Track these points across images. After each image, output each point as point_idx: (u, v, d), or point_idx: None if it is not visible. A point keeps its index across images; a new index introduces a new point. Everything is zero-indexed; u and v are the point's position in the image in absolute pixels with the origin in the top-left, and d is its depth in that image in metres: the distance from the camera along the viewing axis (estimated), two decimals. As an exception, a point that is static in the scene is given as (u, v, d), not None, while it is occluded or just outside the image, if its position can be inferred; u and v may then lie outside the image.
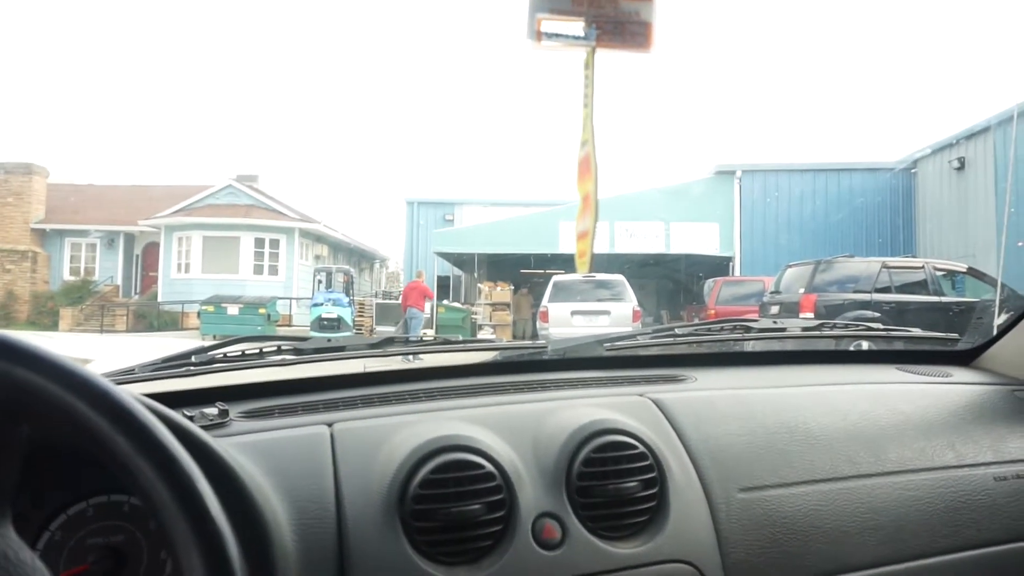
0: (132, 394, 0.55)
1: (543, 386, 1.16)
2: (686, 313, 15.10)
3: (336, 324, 13.97)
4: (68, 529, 0.81)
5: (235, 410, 1.00)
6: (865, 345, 1.59)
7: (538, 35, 0.73)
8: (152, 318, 17.77)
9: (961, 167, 13.40)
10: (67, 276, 19.87)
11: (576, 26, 0.74)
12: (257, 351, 1.19)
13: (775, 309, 9.31)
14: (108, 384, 0.53)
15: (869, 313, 8.18)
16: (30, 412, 0.52)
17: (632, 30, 0.73)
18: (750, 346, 1.45)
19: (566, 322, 10.53)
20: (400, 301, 14.30)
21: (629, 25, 0.73)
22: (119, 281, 20.15)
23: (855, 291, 8.78)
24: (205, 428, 0.88)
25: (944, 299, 8.73)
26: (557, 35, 0.74)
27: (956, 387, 1.31)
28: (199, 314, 15.81)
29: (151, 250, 20.31)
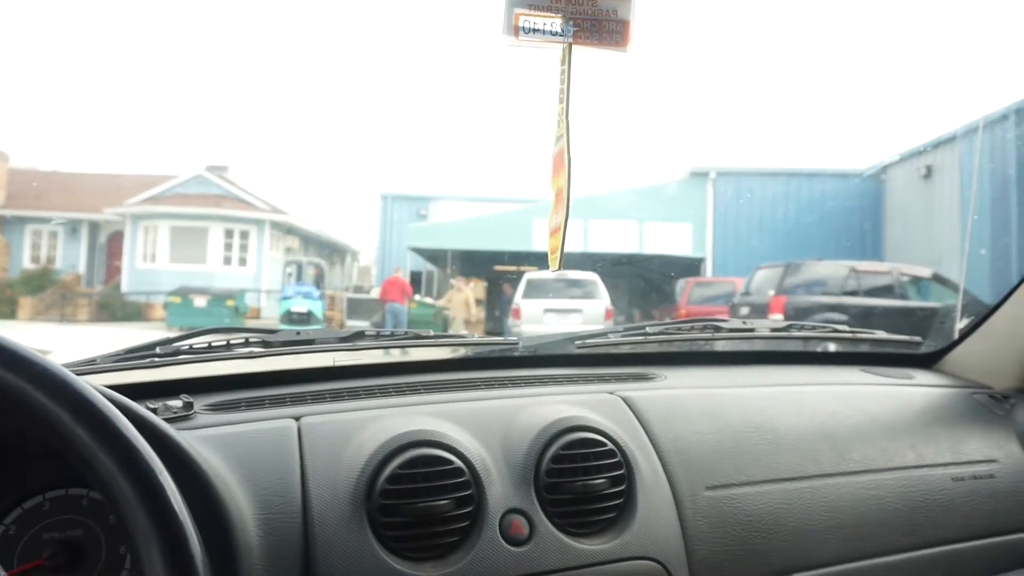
0: (93, 385, 0.54)
1: (514, 382, 1.15)
2: (658, 312, 15.22)
3: (306, 318, 13.83)
4: (23, 523, 0.79)
5: (200, 403, 0.98)
6: (832, 346, 1.62)
7: (515, 30, 0.72)
8: (116, 309, 17.39)
9: (928, 175, 13.71)
10: (27, 264, 19.35)
11: (553, 22, 0.73)
12: (224, 343, 1.17)
13: (745, 310, 9.45)
14: (68, 374, 0.51)
15: (837, 316, 8.34)
16: None
17: (609, 28, 0.73)
18: (720, 346, 1.47)
19: (538, 319, 10.56)
20: (376, 295, 14.21)
21: (606, 23, 0.72)
22: (82, 270, 19.68)
23: (824, 294, 8.95)
24: (169, 421, 0.86)
25: (910, 303, 8.94)
26: (534, 30, 0.74)
27: (918, 389, 1.34)
28: (165, 305, 15.52)
29: (116, 239, 19.87)
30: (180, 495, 0.53)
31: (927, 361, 1.51)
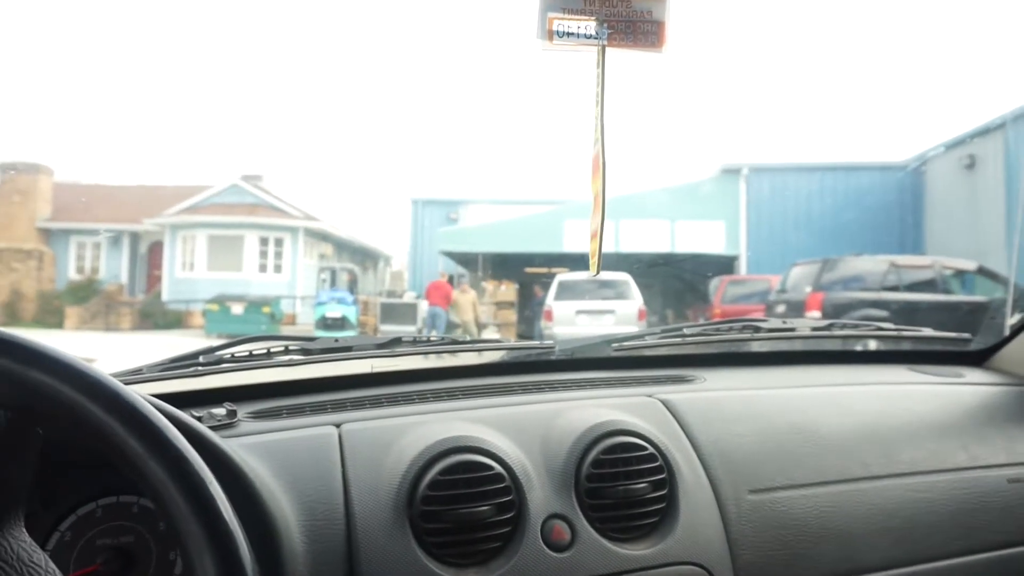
0: (143, 396, 0.55)
1: (551, 387, 1.15)
2: (691, 312, 15.06)
3: (340, 323, 13.99)
4: (78, 530, 0.81)
5: (243, 410, 1.00)
6: (875, 345, 1.58)
7: (549, 34, 0.71)
8: (157, 317, 17.81)
9: (971, 165, 13.33)
10: (73, 275, 19.92)
11: (588, 25, 0.72)
12: (264, 351, 1.19)
13: (781, 308, 9.29)
14: (120, 386, 0.52)
15: (877, 312, 8.15)
16: (45, 414, 0.52)
17: (644, 29, 0.72)
18: (759, 346, 1.44)
19: (570, 321, 10.51)
20: (408, 300, 14.34)
21: (641, 24, 0.71)
22: (124, 280, 20.21)
23: (863, 289, 8.75)
24: (213, 429, 0.88)
25: (953, 298, 8.69)
26: (568, 34, 0.73)
27: (968, 388, 1.30)
28: (203, 313, 15.83)
29: (156, 249, 20.36)
30: (229, 503, 0.54)
31: (977, 358, 1.46)
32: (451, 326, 12.76)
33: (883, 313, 8.17)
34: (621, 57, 0.78)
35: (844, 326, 1.43)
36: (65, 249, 20.12)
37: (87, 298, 18.26)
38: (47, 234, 19.91)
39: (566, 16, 0.72)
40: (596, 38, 0.72)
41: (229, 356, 1.16)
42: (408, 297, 16.32)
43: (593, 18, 0.72)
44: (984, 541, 1.07)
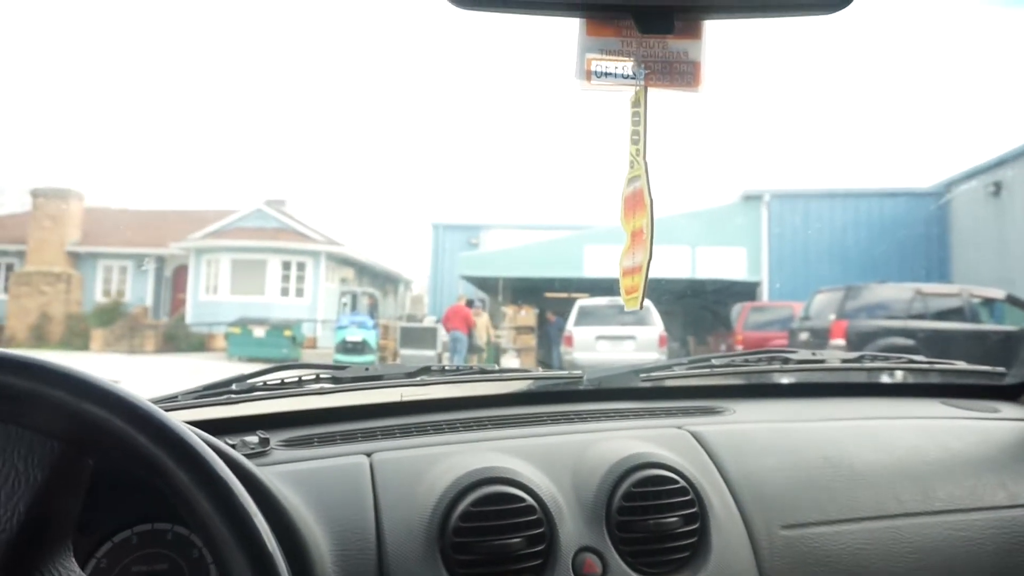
0: (188, 427, 0.56)
1: (581, 417, 1.15)
2: (713, 339, 14.94)
3: (361, 347, 14.05)
4: (114, 557, 0.82)
5: (275, 438, 1.01)
6: (907, 378, 1.56)
7: (588, 74, 0.72)
8: (180, 340, 18.02)
9: (997, 191, 13.17)
10: (99, 298, 20.27)
11: (625, 66, 0.73)
12: (296, 379, 1.20)
13: (805, 335, 9.19)
14: (168, 418, 0.54)
15: (902, 340, 8.02)
16: (94, 445, 0.53)
17: (680, 69, 0.73)
18: (788, 377, 1.43)
19: (591, 347, 10.47)
20: (428, 324, 14.41)
21: (677, 64, 0.72)
22: (149, 303, 20.51)
23: (888, 318, 8.62)
24: (247, 457, 0.89)
25: (982, 327, 8.53)
26: (606, 74, 0.74)
27: (1006, 423, 1.27)
28: (226, 336, 16.00)
29: (181, 273, 20.67)
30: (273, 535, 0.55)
31: (1012, 393, 1.43)
32: (474, 348, 12.82)
33: (909, 342, 8.03)
34: (653, 93, 0.79)
35: (875, 358, 1.41)
36: (93, 272, 20.49)
37: (112, 320, 18.55)
38: (76, 258, 20.31)
39: (604, 57, 0.73)
40: (634, 78, 0.73)
41: (261, 384, 1.17)
42: (428, 321, 16.36)
43: (631, 59, 0.73)
44: None
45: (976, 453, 1.17)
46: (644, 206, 0.76)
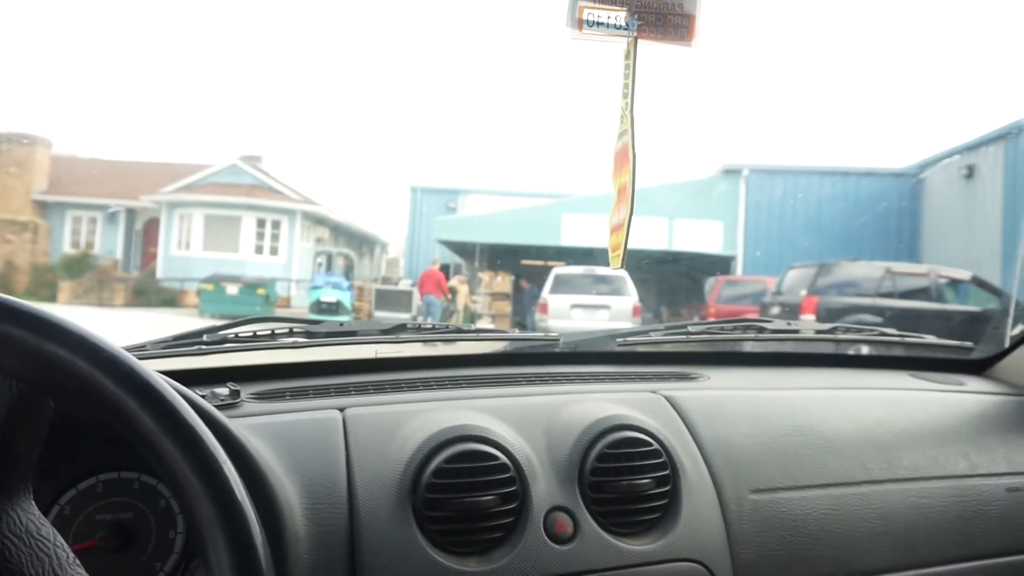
0: (157, 373, 0.54)
1: (556, 379, 1.15)
2: (686, 311, 15.08)
3: (335, 307, 13.98)
4: (77, 504, 0.80)
5: (246, 391, 0.99)
6: (878, 350, 1.58)
7: (579, 23, 0.70)
8: (151, 294, 17.74)
9: (970, 175, 13.36)
10: (68, 249, 19.82)
11: (618, 15, 0.71)
12: (268, 332, 1.18)
13: (776, 310, 9.31)
14: (135, 362, 0.52)
15: (871, 318, 8.18)
16: (56, 386, 0.51)
17: (674, 22, 0.71)
18: (763, 347, 1.44)
19: (565, 315, 10.52)
20: (403, 287, 14.39)
21: (671, 17, 0.70)
22: (119, 256, 20.12)
23: (857, 295, 8.77)
24: (218, 408, 0.87)
25: (947, 307, 8.71)
26: (599, 23, 0.72)
27: (970, 396, 1.30)
28: (198, 292, 15.79)
29: (152, 226, 20.27)
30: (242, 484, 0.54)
31: (979, 367, 1.47)
32: (447, 313, 12.86)
33: (877, 319, 8.19)
34: (643, 49, 0.77)
35: (847, 330, 1.43)
36: (61, 222, 20.00)
37: (81, 272, 18.18)
38: (43, 207, 19.78)
39: (597, 5, 0.71)
40: (626, 29, 0.71)
41: (233, 336, 1.15)
42: (404, 284, 16.31)
43: (624, 8, 0.71)
44: (981, 549, 1.08)
45: (940, 424, 1.19)
46: (628, 162, 0.74)
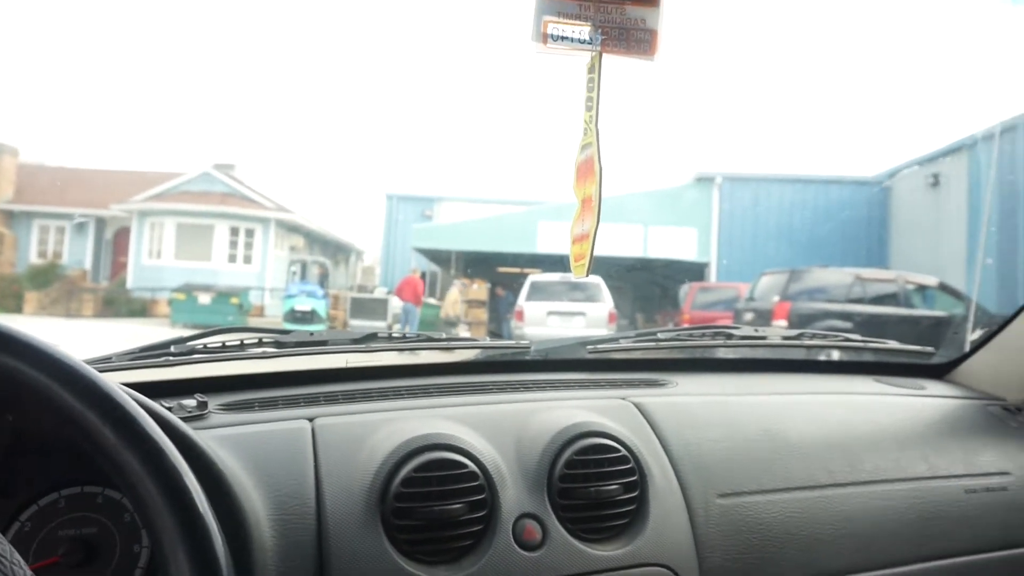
0: (118, 385, 0.54)
1: (526, 387, 1.15)
2: (660, 317, 15.20)
3: (310, 316, 13.85)
4: (39, 520, 0.79)
5: (214, 402, 0.98)
6: (843, 355, 1.62)
7: (544, 37, 0.71)
8: (121, 305, 17.42)
9: (936, 183, 13.67)
10: (34, 259, 19.39)
11: (582, 30, 0.72)
12: (238, 343, 1.17)
13: (749, 316, 9.43)
14: (95, 374, 0.51)
15: (841, 323, 8.31)
16: (15, 400, 0.51)
17: (637, 36, 0.72)
18: (731, 353, 1.47)
19: (541, 322, 10.55)
20: (379, 296, 14.33)
21: (634, 32, 0.71)
22: (88, 266, 19.73)
23: (828, 301, 8.92)
24: (184, 420, 0.86)
25: (914, 312, 8.90)
26: (563, 38, 0.73)
27: (930, 400, 1.33)
28: (170, 302, 15.53)
29: (122, 235, 19.91)
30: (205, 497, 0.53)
31: (939, 372, 1.50)
32: (448, 324, 12.90)
33: (847, 324, 8.33)
34: (608, 61, 0.79)
35: (814, 336, 1.46)
36: (27, 232, 19.57)
37: (48, 283, 17.79)
38: (8, 216, 19.34)
39: (561, 20, 0.72)
40: (590, 43, 0.73)
41: (201, 347, 1.14)
42: (379, 292, 16.21)
43: (588, 23, 0.72)
44: (941, 549, 1.10)
45: (902, 428, 1.22)
46: (594, 174, 0.76)
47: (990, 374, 1.43)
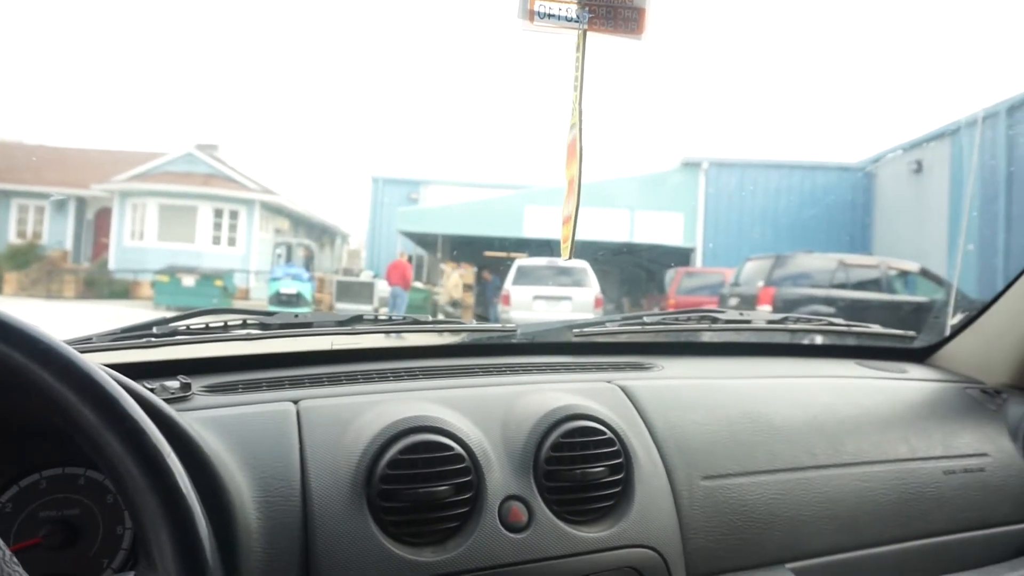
0: (99, 365, 0.53)
1: (512, 369, 1.16)
2: (647, 301, 15.27)
3: (295, 299, 13.77)
4: (20, 501, 0.78)
5: (197, 384, 0.97)
6: (826, 339, 1.63)
7: (530, 14, 0.70)
8: (103, 286, 17.21)
9: (919, 169, 13.78)
10: (13, 239, 19.11)
11: (569, 8, 0.71)
12: (221, 324, 1.16)
13: (734, 301, 9.49)
14: (75, 354, 0.51)
15: (824, 308, 8.39)
16: None
17: (624, 15, 0.72)
18: (716, 336, 1.47)
19: (528, 306, 10.57)
20: (365, 279, 14.28)
21: (622, 10, 0.71)
22: (69, 247, 19.46)
23: (812, 286, 9.00)
24: (167, 402, 0.86)
25: (896, 297, 9.00)
26: (550, 15, 0.72)
27: (911, 383, 1.35)
28: (153, 284, 15.38)
29: (104, 216, 19.64)
30: (188, 477, 0.53)
31: (920, 355, 1.52)
32: (456, 304, 12.88)
33: (831, 310, 8.41)
34: (595, 43, 0.78)
35: (798, 320, 1.47)
36: (6, 212, 19.26)
37: (28, 263, 17.54)
38: (-14, 195, 19.01)
39: None
40: (577, 21, 0.72)
41: (184, 328, 1.13)
42: (365, 276, 16.14)
43: (575, 1, 0.71)
44: (920, 529, 1.12)
45: (884, 410, 1.24)
46: (576, 155, 0.75)
47: (970, 358, 1.45)
